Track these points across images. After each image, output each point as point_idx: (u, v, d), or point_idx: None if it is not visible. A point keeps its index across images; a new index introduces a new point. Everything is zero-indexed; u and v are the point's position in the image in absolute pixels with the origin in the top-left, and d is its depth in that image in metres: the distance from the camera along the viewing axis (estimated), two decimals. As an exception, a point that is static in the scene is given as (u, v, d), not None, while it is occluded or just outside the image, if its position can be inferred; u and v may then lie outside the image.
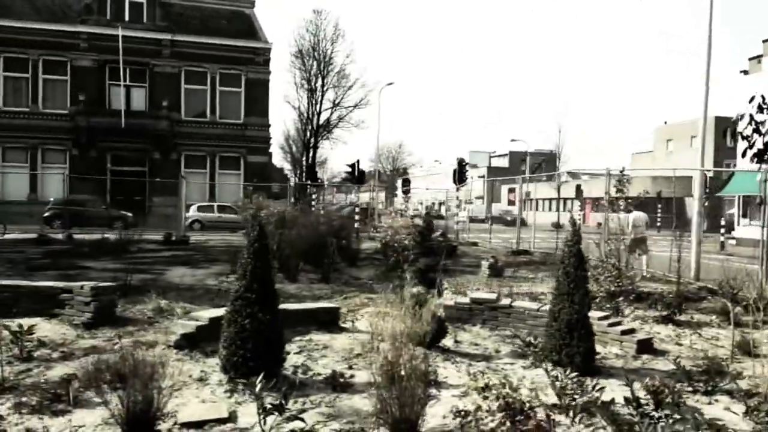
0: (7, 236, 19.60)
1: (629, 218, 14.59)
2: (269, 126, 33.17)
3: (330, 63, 36.05)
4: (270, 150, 34.31)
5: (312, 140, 37.25)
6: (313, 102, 36.66)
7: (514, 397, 4.43)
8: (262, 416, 3.95)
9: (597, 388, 4.46)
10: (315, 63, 35.96)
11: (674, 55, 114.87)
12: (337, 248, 12.70)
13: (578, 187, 35.55)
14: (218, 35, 31.44)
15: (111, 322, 7.39)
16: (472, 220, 36.52)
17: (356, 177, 25.55)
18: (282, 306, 7.34)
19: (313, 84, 36.39)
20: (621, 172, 17.09)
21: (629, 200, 11.94)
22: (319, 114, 37.08)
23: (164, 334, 6.95)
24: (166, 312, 8.17)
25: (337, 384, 5.16)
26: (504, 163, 58.22)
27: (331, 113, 36.93)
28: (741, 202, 28.55)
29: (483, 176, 51.24)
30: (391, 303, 9.17)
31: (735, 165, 39.72)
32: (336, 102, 36.24)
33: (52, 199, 27.53)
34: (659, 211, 33.83)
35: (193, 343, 6.19)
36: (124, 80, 30.14)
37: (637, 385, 4.29)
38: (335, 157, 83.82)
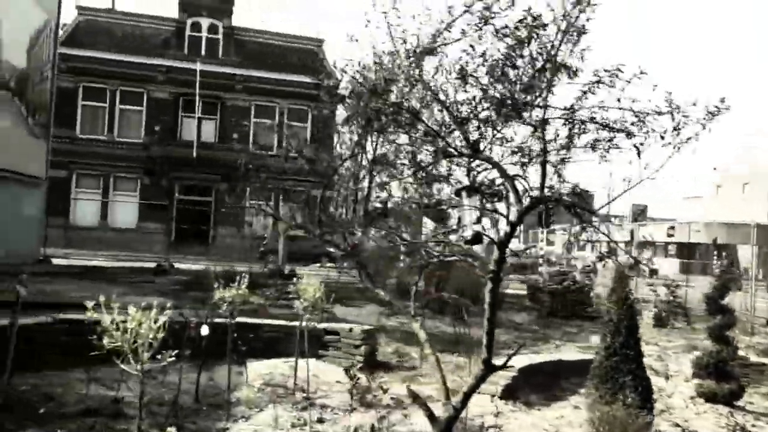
0: (124, 264, 19.91)
1: None
2: (333, 160, 33.66)
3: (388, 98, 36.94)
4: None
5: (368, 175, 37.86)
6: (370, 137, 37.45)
7: None
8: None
9: None
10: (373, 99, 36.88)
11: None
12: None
13: (632, 232, 35.98)
14: (288, 71, 32.16)
15: (376, 365, 7.62)
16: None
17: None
18: (560, 357, 7.60)
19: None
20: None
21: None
22: (374, 149, 37.75)
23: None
24: (405, 355, 8.41)
25: None
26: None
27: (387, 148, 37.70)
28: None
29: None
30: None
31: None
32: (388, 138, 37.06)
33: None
34: (714, 257, 34.12)
35: (511, 393, 6.41)
36: (198, 113, 30.76)
37: None
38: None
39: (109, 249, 27.39)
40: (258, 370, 6.97)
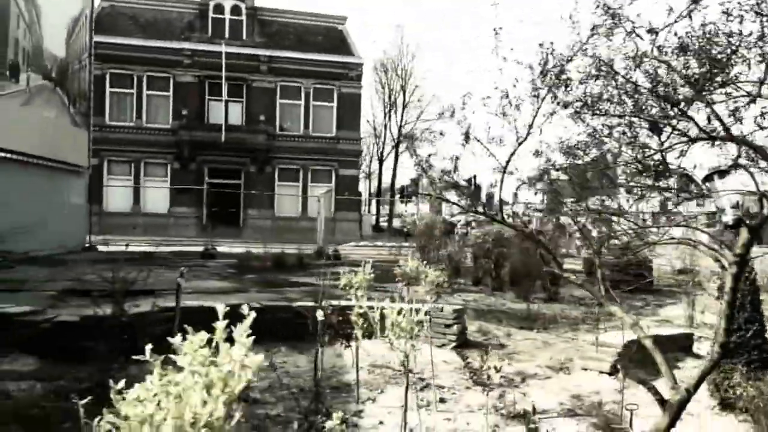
0: (173, 248, 20.11)
1: None
2: (360, 140, 33.56)
3: (409, 77, 36.64)
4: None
5: (394, 153, 37.70)
6: (394, 115, 37.20)
7: None
8: None
9: None
10: (397, 78, 36.49)
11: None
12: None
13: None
14: (312, 51, 31.97)
15: (466, 344, 7.68)
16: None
17: (472, 193, 25.75)
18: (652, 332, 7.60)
19: (393, 98, 36.90)
20: None
21: None
22: (399, 128, 37.54)
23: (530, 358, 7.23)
24: (488, 333, 8.46)
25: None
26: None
27: (415, 126, 37.44)
28: None
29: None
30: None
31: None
32: (418, 116, 36.77)
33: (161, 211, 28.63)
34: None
35: (618, 369, 6.45)
36: (224, 96, 30.71)
37: None
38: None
39: (143, 234, 27.69)
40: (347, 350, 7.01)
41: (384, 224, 39.29)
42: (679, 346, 7.56)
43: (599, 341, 7.13)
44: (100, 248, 20.61)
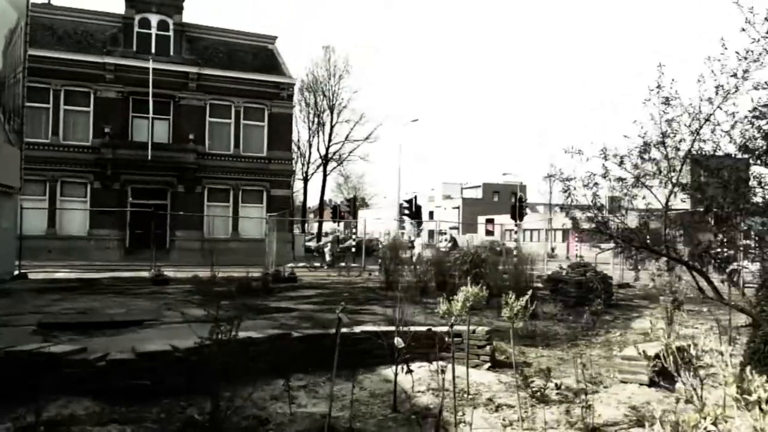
0: (108, 274, 18.95)
1: None
2: (292, 160, 33.33)
3: (337, 98, 36.99)
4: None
5: (322, 172, 37.70)
6: (321, 136, 37.31)
7: None
8: None
9: None
10: (323, 98, 36.71)
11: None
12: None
13: (575, 219, 38.27)
14: (243, 69, 31.55)
15: (498, 364, 8.06)
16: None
17: (413, 212, 26.29)
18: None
19: (321, 118, 37.06)
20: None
21: None
22: (327, 148, 37.67)
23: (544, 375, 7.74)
24: (504, 352, 8.91)
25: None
26: (477, 194, 60.76)
27: (341, 147, 37.68)
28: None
29: (457, 207, 54.00)
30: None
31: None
32: (347, 136, 37.10)
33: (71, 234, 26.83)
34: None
35: (652, 381, 7.06)
36: (150, 113, 29.52)
37: None
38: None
39: (60, 259, 25.95)
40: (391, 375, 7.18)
41: (310, 244, 39.06)
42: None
43: (621, 354, 7.75)
44: (31, 275, 19.10)
